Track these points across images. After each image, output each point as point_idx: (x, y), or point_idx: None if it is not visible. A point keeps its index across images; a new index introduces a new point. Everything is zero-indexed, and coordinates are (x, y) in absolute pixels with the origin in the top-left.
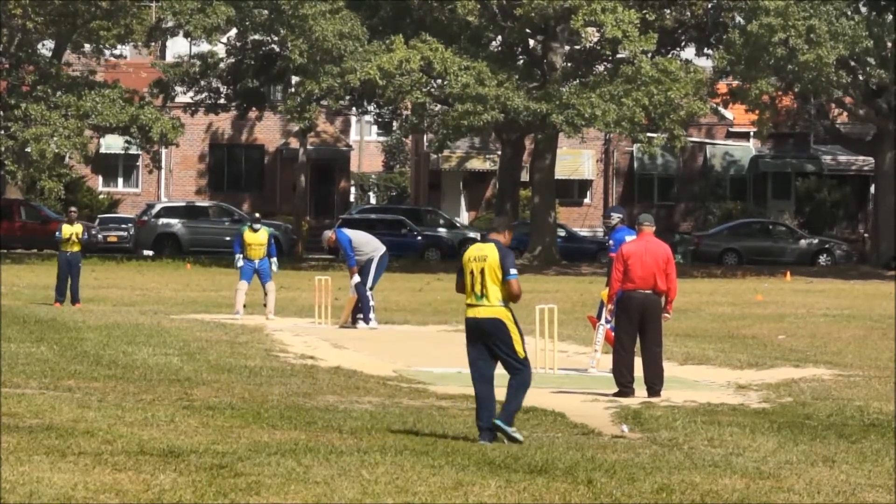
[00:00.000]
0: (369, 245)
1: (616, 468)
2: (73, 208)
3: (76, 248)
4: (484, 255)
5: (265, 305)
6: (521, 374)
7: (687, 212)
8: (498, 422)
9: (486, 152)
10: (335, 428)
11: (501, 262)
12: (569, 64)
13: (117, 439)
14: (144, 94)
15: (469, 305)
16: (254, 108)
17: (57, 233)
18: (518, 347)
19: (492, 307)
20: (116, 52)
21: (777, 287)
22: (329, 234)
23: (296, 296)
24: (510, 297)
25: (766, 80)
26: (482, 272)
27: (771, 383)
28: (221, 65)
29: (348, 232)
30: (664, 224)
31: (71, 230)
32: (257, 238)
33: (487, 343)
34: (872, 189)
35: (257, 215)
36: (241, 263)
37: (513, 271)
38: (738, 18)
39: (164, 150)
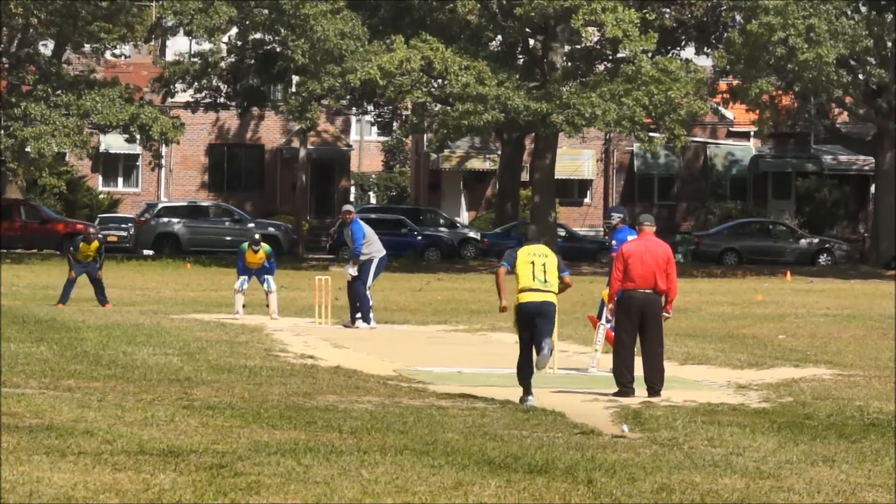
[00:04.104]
0: (374, 245)
1: (616, 468)
2: (92, 229)
3: (90, 259)
4: (545, 252)
5: (268, 306)
6: (546, 352)
7: (687, 211)
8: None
9: (486, 152)
10: (335, 428)
11: (558, 262)
12: (569, 63)
13: (117, 439)
14: (144, 94)
15: (530, 290)
16: (254, 108)
17: (71, 247)
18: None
19: (551, 294)
20: (117, 51)
21: (777, 287)
22: (351, 208)
23: (296, 296)
24: (565, 288)
25: (766, 79)
26: (543, 266)
27: (771, 383)
28: (222, 63)
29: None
30: (665, 224)
31: (87, 249)
32: (256, 258)
33: (537, 321)
34: (873, 189)
35: (257, 237)
36: (245, 287)
37: (567, 270)
38: (738, 18)
39: (164, 149)
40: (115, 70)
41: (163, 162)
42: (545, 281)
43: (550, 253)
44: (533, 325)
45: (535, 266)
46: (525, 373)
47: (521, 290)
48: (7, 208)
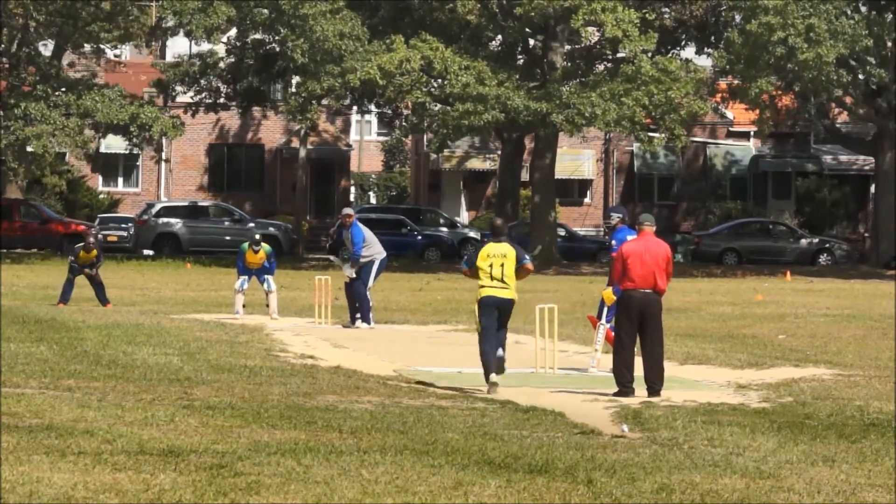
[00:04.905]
0: (375, 247)
1: (616, 468)
2: (91, 239)
3: (88, 262)
4: (504, 253)
5: (268, 306)
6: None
7: (687, 211)
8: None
9: (486, 152)
10: (335, 428)
11: (518, 254)
12: (569, 63)
13: (117, 439)
14: (144, 96)
15: (489, 287)
16: (254, 108)
17: (71, 255)
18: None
19: (509, 289)
20: (117, 52)
21: (777, 287)
22: (351, 211)
23: (296, 296)
24: (526, 273)
25: (766, 79)
26: (502, 266)
27: (771, 383)
28: (221, 64)
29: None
30: (665, 224)
31: (86, 257)
32: (256, 258)
33: (496, 312)
34: (872, 189)
35: (257, 237)
36: (245, 287)
37: (527, 257)
38: (738, 18)
39: (164, 146)
40: (115, 74)
41: (164, 155)
42: (502, 279)
43: (510, 251)
44: (492, 315)
45: (493, 268)
46: (485, 355)
47: (481, 287)
48: (7, 208)
